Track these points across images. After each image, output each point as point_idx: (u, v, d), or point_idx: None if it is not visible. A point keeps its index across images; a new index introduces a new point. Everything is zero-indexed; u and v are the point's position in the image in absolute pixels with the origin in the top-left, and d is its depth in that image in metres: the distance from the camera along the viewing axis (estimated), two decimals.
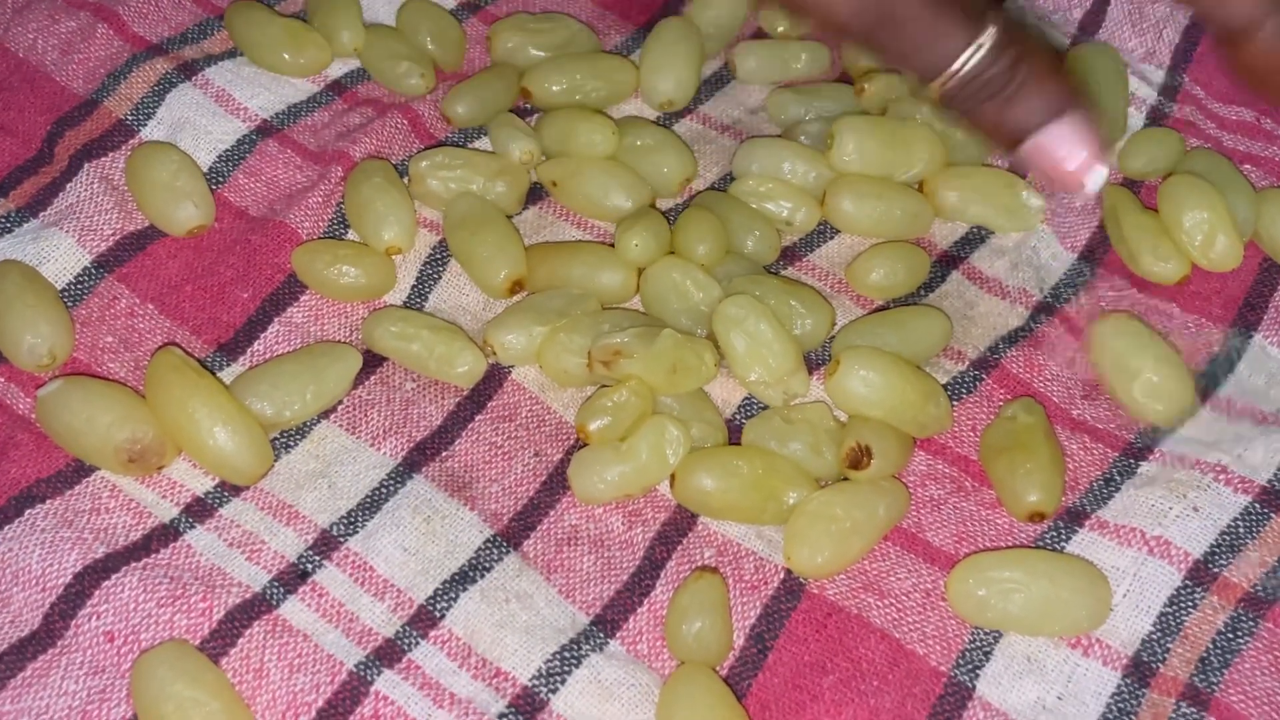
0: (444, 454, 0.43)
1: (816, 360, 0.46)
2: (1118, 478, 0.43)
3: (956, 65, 0.35)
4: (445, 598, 0.40)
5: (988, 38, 0.34)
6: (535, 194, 0.50)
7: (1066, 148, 0.35)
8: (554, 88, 0.51)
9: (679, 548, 0.42)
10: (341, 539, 0.41)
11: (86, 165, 0.48)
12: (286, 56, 0.52)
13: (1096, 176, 0.36)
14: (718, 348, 0.44)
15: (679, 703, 0.38)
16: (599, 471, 0.41)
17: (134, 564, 0.40)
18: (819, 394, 0.45)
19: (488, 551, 0.41)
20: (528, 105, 0.52)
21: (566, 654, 0.39)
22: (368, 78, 0.53)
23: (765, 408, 0.45)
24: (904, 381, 0.43)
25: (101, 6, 0.53)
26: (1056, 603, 0.39)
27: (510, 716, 0.38)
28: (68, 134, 0.50)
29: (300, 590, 0.40)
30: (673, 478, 0.42)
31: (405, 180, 0.48)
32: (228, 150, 0.50)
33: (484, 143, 0.51)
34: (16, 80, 0.51)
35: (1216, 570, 0.40)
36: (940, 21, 0.35)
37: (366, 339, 0.45)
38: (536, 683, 0.38)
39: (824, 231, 0.50)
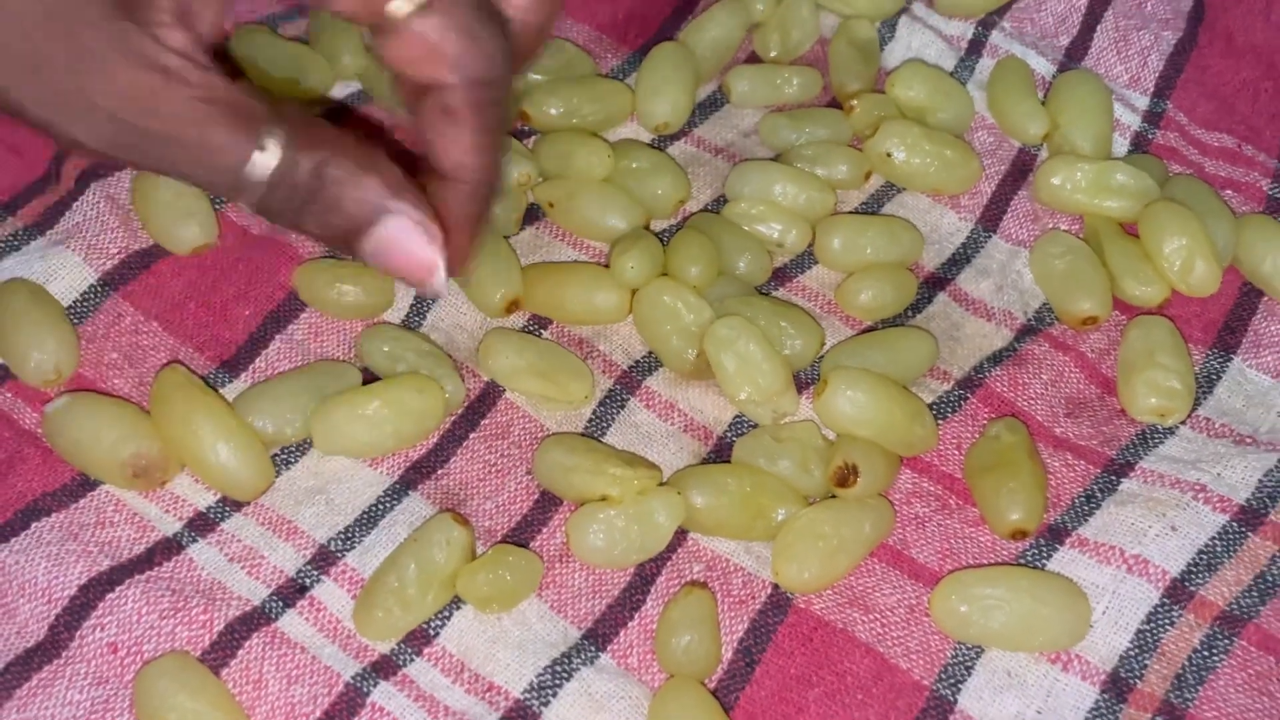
0: (439, 472, 0.44)
1: (806, 380, 0.47)
2: (1099, 495, 0.44)
3: (246, 174, 0.31)
4: (439, 616, 0.41)
5: (273, 143, 0.31)
6: (532, 214, 0.51)
7: (400, 251, 0.32)
8: (551, 110, 0.53)
9: (669, 563, 0.43)
10: (339, 554, 0.42)
11: (93, 185, 0.49)
12: (291, 77, 0.53)
13: (438, 273, 0.33)
14: (708, 365, 0.45)
15: (668, 715, 0.38)
16: (602, 550, 0.42)
17: (137, 577, 0.41)
18: (808, 413, 0.46)
19: None
20: (526, 128, 0.53)
21: (558, 667, 0.40)
22: (370, 100, 0.54)
23: (755, 426, 0.46)
24: (891, 401, 0.44)
25: None
26: (1037, 619, 0.40)
27: None
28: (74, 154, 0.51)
29: (298, 604, 0.41)
30: None
31: None
32: None
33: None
34: None
35: (1193, 589, 0.41)
36: (209, 133, 0.30)
37: (360, 353, 0.46)
38: (529, 696, 0.39)
39: (814, 253, 0.50)
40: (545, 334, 0.48)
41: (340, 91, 0.54)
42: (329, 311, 0.48)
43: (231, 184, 0.31)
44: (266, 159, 0.31)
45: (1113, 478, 0.44)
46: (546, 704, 0.39)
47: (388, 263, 0.33)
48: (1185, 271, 0.48)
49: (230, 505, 0.43)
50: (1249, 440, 0.45)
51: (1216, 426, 0.46)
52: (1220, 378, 0.47)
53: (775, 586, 0.42)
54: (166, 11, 0.30)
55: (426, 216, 0.33)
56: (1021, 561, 0.43)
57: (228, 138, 0.30)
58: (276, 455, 0.44)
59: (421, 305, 0.48)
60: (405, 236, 0.32)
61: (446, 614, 0.41)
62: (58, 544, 0.41)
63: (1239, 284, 0.49)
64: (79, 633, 0.40)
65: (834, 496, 0.43)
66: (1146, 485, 0.44)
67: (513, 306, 0.47)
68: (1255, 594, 0.41)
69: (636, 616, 0.41)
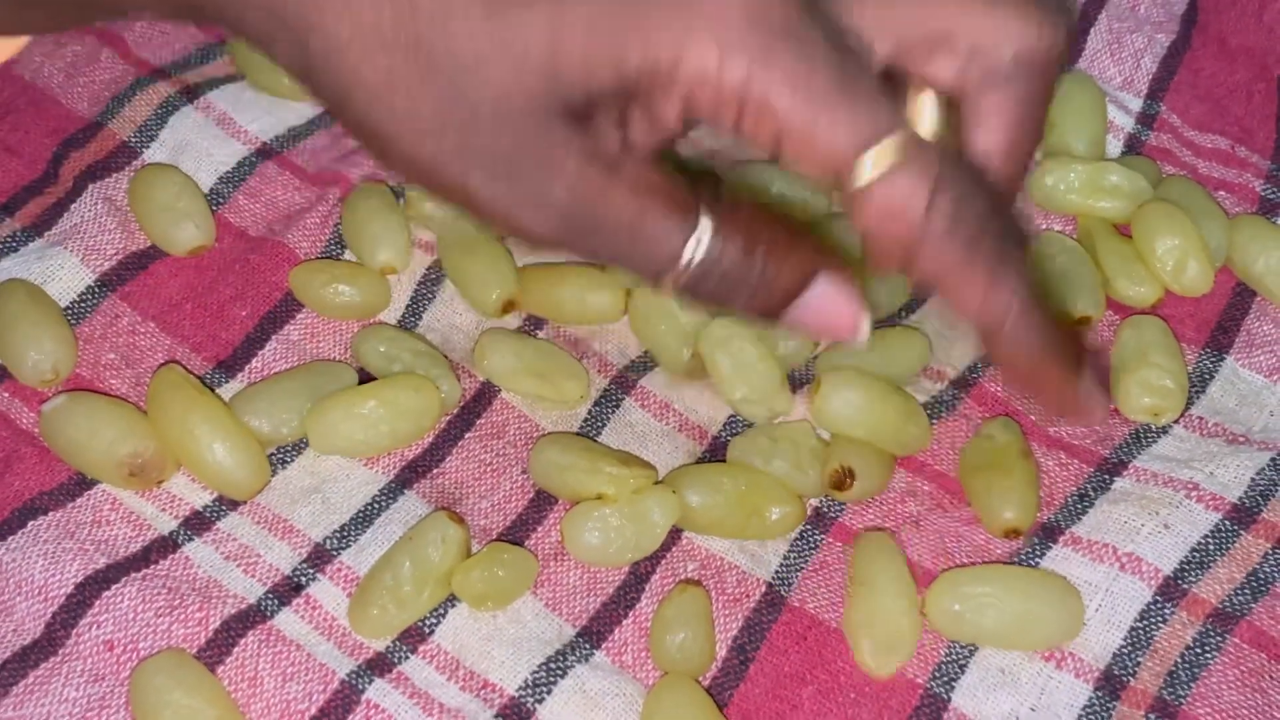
0: (434, 471, 0.44)
1: (800, 380, 0.47)
2: (1092, 493, 0.44)
3: (681, 264, 0.32)
4: (434, 613, 0.41)
5: (704, 230, 0.31)
6: None
7: (826, 313, 0.33)
8: None
9: (663, 561, 0.43)
10: (334, 553, 0.42)
11: (90, 186, 0.50)
12: (288, 81, 0.53)
13: (864, 326, 0.33)
14: (704, 366, 0.45)
15: (662, 712, 0.39)
16: (597, 548, 0.42)
17: (133, 575, 0.41)
18: (803, 413, 0.46)
19: None
20: None
21: (553, 665, 0.40)
22: None
23: (750, 426, 0.46)
24: (884, 402, 0.44)
25: (106, 31, 0.54)
26: (1030, 617, 0.40)
27: None
28: (72, 155, 0.51)
29: (294, 602, 0.41)
30: None
31: (401, 203, 0.50)
32: (228, 172, 0.51)
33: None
34: (23, 103, 0.52)
35: (1186, 586, 0.41)
36: (646, 223, 0.31)
37: (355, 353, 0.46)
38: (523, 693, 0.40)
39: None
40: (540, 334, 0.48)
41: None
42: (325, 312, 0.48)
43: (664, 269, 0.32)
44: (698, 247, 0.32)
45: (1106, 476, 0.44)
46: (541, 701, 0.39)
47: (812, 323, 0.33)
48: (1178, 271, 0.48)
49: (226, 504, 0.43)
50: (1242, 439, 0.45)
51: (1209, 426, 0.46)
52: (1213, 377, 0.47)
53: (769, 585, 0.42)
54: (607, 117, 0.32)
55: (848, 278, 0.33)
56: (1015, 560, 0.43)
57: (663, 227, 0.31)
58: (272, 455, 0.44)
59: (418, 306, 0.48)
60: (831, 301, 0.33)
61: (441, 612, 0.41)
62: (54, 542, 0.41)
63: (1232, 285, 0.50)
64: (75, 630, 0.40)
65: (830, 498, 0.44)
66: (1139, 484, 0.44)
67: (509, 307, 0.47)
68: (1248, 591, 0.41)
69: (631, 614, 0.42)
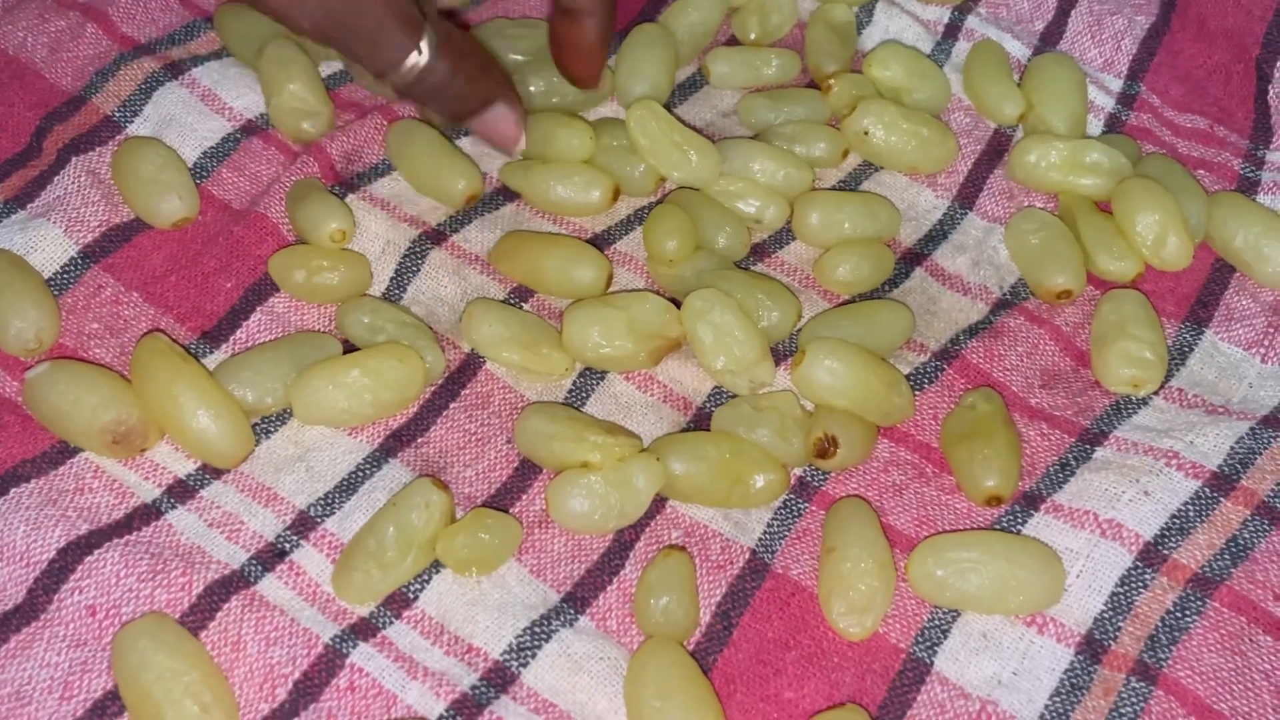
0: (419, 440, 0.44)
1: (784, 351, 0.47)
2: (1073, 463, 0.44)
3: (405, 67, 0.43)
4: (419, 579, 0.41)
5: (426, 45, 0.43)
6: (512, 191, 0.52)
7: (498, 128, 0.47)
8: (532, 89, 0.53)
9: (648, 529, 0.43)
10: (318, 519, 0.42)
11: (74, 159, 0.49)
12: None
13: (522, 143, 0.48)
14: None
15: (646, 674, 0.39)
16: (581, 515, 0.42)
17: (116, 541, 0.41)
18: (786, 384, 0.46)
19: None
20: None
21: (537, 629, 0.40)
22: (350, 79, 0.55)
23: (734, 397, 0.46)
24: (868, 372, 0.44)
25: (90, 7, 0.54)
26: (1012, 582, 0.41)
27: (481, 689, 0.39)
28: (56, 129, 0.51)
29: (278, 569, 0.41)
30: None
31: (336, 189, 0.50)
32: (212, 147, 0.51)
33: (461, 144, 0.52)
34: (6, 76, 0.52)
35: (1166, 552, 0.42)
36: (386, 32, 0.43)
37: (339, 325, 0.46)
38: (507, 657, 0.40)
39: (792, 229, 0.51)
40: (526, 306, 0.48)
41: (321, 71, 0.54)
42: (306, 298, 0.47)
43: (389, 71, 0.44)
44: (420, 58, 0.43)
45: (1087, 446, 0.45)
46: (525, 665, 0.39)
47: (488, 135, 0.48)
48: (1158, 246, 0.48)
49: (210, 473, 0.43)
50: (1221, 410, 0.46)
51: (1189, 397, 0.46)
52: (1193, 350, 0.48)
53: (753, 552, 0.42)
54: None
55: (519, 107, 0.47)
56: (997, 527, 0.43)
57: (397, 38, 0.43)
58: (256, 424, 0.44)
59: (402, 279, 0.49)
60: (504, 120, 0.47)
61: (426, 577, 0.41)
62: (36, 509, 0.41)
63: (1211, 260, 0.50)
64: (57, 596, 0.40)
65: (814, 467, 0.44)
66: (1120, 453, 0.44)
67: (472, 200, 0.50)
68: (1227, 557, 0.42)
69: (615, 580, 0.42)
